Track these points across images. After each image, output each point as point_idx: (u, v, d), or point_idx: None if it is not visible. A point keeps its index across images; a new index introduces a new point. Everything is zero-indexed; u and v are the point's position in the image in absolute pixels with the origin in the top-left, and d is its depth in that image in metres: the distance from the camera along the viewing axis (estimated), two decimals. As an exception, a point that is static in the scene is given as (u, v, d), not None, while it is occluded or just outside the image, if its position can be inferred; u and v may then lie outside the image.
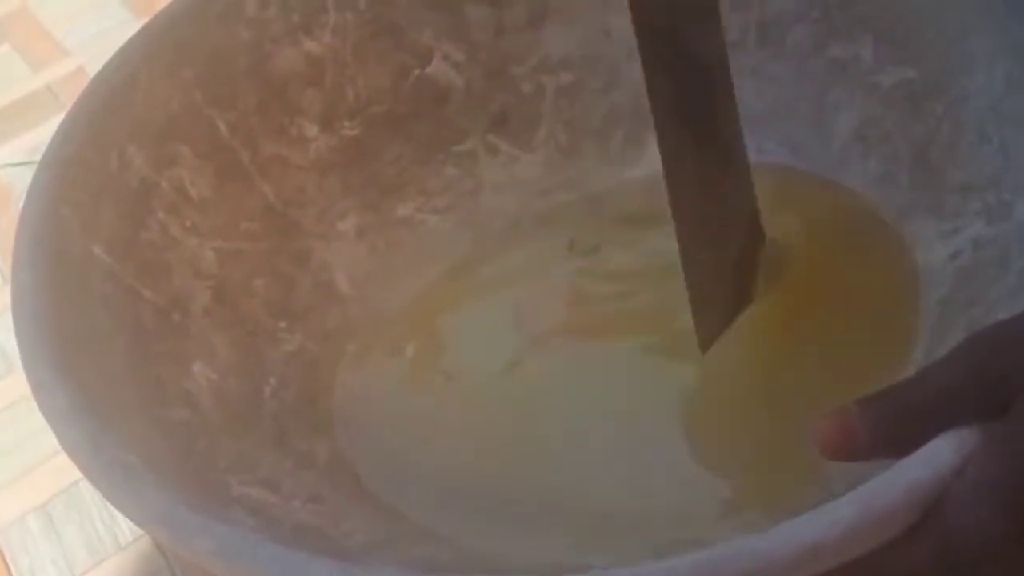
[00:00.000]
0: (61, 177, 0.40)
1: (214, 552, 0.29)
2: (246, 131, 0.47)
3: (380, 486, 0.41)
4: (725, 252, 0.42)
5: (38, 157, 0.41)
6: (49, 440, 0.33)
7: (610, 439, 0.42)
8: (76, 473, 0.34)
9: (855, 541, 0.25)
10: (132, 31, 0.46)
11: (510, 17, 0.50)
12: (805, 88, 0.47)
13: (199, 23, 0.46)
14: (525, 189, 0.51)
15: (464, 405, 0.45)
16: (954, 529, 0.25)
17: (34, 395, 0.34)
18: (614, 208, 0.50)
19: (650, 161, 0.47)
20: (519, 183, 0.51)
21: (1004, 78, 0.38)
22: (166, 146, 0.44)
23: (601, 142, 0.51)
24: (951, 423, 0.26)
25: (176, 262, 0.43)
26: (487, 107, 0.51)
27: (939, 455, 0.26)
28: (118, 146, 0.42)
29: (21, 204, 0.40)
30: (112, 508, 0.36)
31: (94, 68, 0.44)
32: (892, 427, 0.27)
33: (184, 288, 0.43)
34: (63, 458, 0.33)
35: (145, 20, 0.46)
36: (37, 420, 0.34)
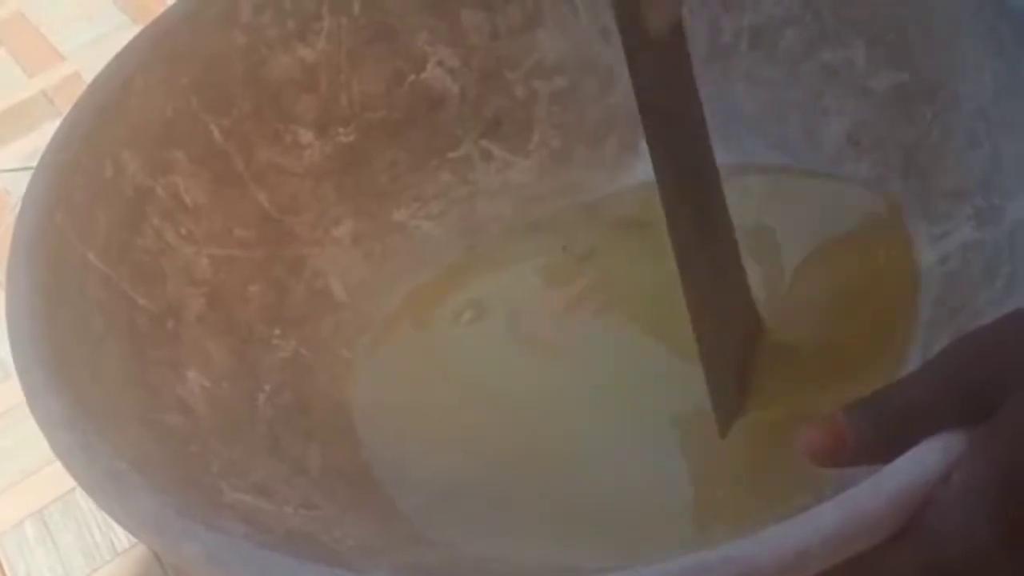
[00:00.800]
0: (57, 183, 0.40)
1: (205, 558, 0.29)
2: (241, 137, 0.47)
3: (379, 487, 0.42)
4: (735, 341, 0.42)
5: (34, 163, 0.41)
6: (45, 446, 0.33)
7: (606, 442, 0.42)
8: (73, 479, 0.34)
9: (840, 546, 0.25)
10: (128, 37, 0.46)
11: (504, 21, 0.50)
12: (797, 92, 0.47)
13: (195, 29, 0.46)
14: (519, 194, 0.51)
15: (460, 409, 0.45)
16: (939, 535, 0.25)
17: (27, 401, 0.34)
18: (608, 213, 0.50)
19: (644, 166, 0.47)
20: (513, 188, 0.51)
21: (993, 83, 0.38)
22: (161, 152, 0.44)
23: (595, 147, 0.52)
24: (936, 429, 0.26)
25: (170, 269, 0.43)
26: (481, 112, 0.51)
27: (924, 461, 0.26)
28: (113, 152, 0.43)
29: (16, 210, 0.40)
30: (108, 514, 0.36)
31: (90, 74, 0.44)
32: (878, 433, 0.27)
33: (178, 295, 0.43)
34: (60, 464, 0.33)
35: (141, 26, 0.46)
36: (33, 426, 0.33)
